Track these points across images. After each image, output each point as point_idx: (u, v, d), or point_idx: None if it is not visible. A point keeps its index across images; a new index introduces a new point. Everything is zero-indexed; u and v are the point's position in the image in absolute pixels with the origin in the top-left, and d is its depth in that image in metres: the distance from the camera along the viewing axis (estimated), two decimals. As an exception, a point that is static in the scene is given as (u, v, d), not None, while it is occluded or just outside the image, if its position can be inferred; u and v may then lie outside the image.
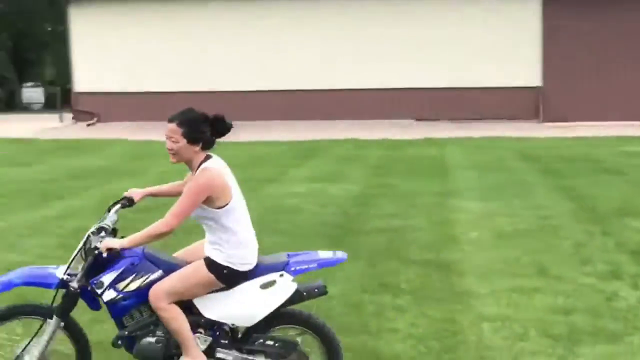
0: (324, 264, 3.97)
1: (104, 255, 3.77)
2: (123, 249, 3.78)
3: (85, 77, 24.42)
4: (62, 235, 8.20)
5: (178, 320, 3.75)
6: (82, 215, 9.41)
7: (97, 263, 3.81)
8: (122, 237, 3.81)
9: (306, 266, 3.92)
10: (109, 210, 4.10)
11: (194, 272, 3.78)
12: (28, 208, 9.93)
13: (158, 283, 3.79)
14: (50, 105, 37.39)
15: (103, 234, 3.85)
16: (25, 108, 39.74)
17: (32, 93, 41.28)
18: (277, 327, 4.00)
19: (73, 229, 8.54)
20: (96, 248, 3.76)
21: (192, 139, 3.73)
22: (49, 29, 43.86)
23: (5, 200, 10.59)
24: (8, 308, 3.98)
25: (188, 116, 3.78)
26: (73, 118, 25.00)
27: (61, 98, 26.50)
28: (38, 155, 16.50)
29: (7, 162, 15.08)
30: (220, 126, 3.82)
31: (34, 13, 43.00)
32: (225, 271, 3.75)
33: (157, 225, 3.70)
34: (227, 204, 3.73)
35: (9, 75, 40.45)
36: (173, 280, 3.77)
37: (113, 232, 3.95)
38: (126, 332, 3.90)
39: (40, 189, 11.54)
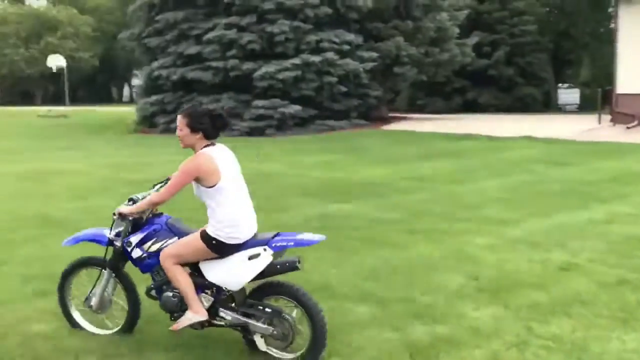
0: (300, 244, 4.39)
1: (115, 217, 4.70)
2: (151, 216, 4.73)
3: (629, 78, 23.36)
4: (612, 240, 7.76)
5: (179, 279, 4.45)
6: (628, 220, 8.84)
7: (134, 227, 4.71)
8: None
9: (285, 243, 4.38)
10: (153, 187, 4.95)
11: (192, 240, 4.46)
12: (570, 209, 9.75)
13: (167, 247, 4.55)
14: (586, 106, 37.11)
15: (130, 203, 4.72)
16: (559, 109, 40.28)
17: (568, 94, 41.61)
18: (272, 297, 4.52)
19: (622, 234, 8.04)
20: (114, 213, 4.69)
21: (193, 129, 4.45)
22: (589, 29, 43.52)
23: (550, 199, 10.64)
24: (80, 259, 5.12)
25: (191, 110, 4.52)
26: (611, 120, 24.21)
27: (601, 99, 25.88)
28: (576, 156, 16.34)
29: (547, 162, 15.28)
30: (218, 121, 4.49)
31: (576, 14, 43.17)
32: (213, 242, 4.38)
33: (154, 196, 4.57)
34: (215, 185, 4.34)
35: (547, 76, 41.49)
36: (177, 246, 4.50)
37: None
38: (152, 286, 4.75)
39: (581, 191, 11.30)
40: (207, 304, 4.53)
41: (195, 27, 25.78)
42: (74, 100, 60.16)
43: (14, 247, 7.74)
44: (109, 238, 4.83)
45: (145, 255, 4.68)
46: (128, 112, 34.78)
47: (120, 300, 5.07)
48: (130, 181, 12.97)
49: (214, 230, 4.39)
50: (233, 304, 4.57)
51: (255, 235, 4.48)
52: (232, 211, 4.39)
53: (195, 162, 4.39)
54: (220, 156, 4.47)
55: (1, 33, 65.66)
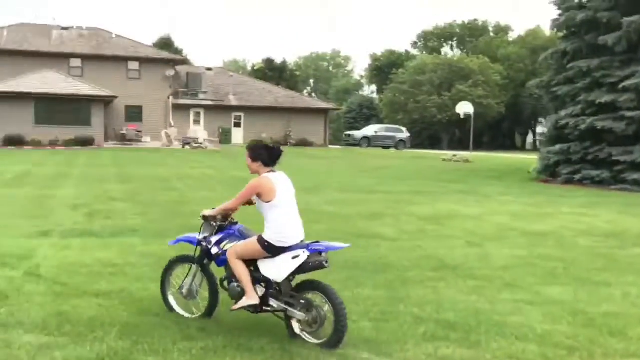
0: (330, 249, 5.69)
1: (199, 219, 6.27)
2: (229, 224, 6.21)
3: None
4: None
5: (239, 271, 5.85)
6: None
7: (219, 231, 6.20)
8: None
9: (318, 248, 5.63)
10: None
11: (251, 242, 5.86)
12: None
13: (233, 246, 5.99)
14: None
15: (212, 208, 6.21)
16: None
17: None
18: (310, 292, 5.72)
19: None
20: (204, 217, 6.19)
21: (253, 158, 5.98)
22: None
23: None
24: (177, 257, 6.68)
25: (252, 145, 6.08)
26: None
27: None
28: None
29: None
30: (273, 152, 5.95)
31: None
32: (266, 244, 5.74)
33: (226, 204, 6.12)
34: (270, 201, 5.76)
35: None
36: (240, 245, 5.93)
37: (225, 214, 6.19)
38: (224, 277, 6.20)
39: None
40: (260, 293, 5.86)
41: (610, 75, 24.39)
42: (478, 146, 61.90)
43: (409, 287, 7.92)
44: (198, 240, 6.32)
45: (220, 252, 6.12)
46: (529, 159, 34.40)
47: (204, 291, 6.41)
48: (527, 231, 12.55)
49: (267, 235, 5.74)
50: (275, 294, 5.84)
51: (302, 241, 5.80)
52: (281, 222, 5.74)
53: (258, 182, 5.84)
54: (278, 180, 5.87)
55: (417, 81, 70.92)
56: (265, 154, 5.93)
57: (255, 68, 75.83)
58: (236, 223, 6.24)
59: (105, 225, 11.87)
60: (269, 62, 73.79)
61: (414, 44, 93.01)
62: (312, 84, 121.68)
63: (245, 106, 51.38)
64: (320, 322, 5.62)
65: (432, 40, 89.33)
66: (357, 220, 13.44)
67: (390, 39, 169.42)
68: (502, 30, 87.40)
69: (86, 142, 39.54)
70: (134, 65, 48.67)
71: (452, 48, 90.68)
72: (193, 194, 17.76)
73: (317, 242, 5.75)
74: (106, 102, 43.78)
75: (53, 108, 41.43)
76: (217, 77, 54.99)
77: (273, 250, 5.71)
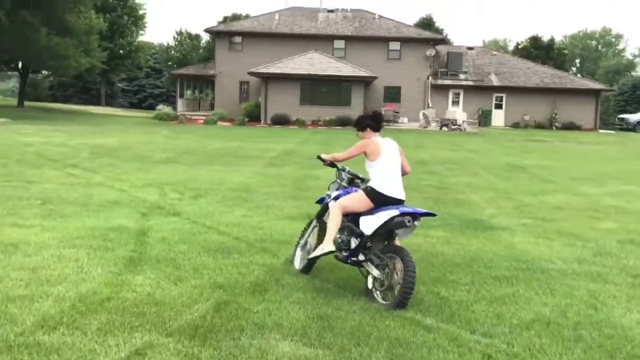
0: (416, 212, 6.16)
1: (318, 159, 7.03)
2: (352, 186, 6.88)
3: None
4: None
5: (333, 218, 6.43)
6: None
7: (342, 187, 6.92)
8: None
9: (407, 210, 6.15)
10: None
11: (357, 193, 6.55)
12: None
13: (341, 198, 6.57)
14: None
15: (331, 157, 6.94)
16: None
17: None
18: (391, 255, 6.15)
19: None
20: (319, 157, 7.01)
21: (361, 129, 6.75)
22: None
23: None
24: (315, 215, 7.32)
25: (357, 118, 6.99)
26: None
27: None
28: None
29: None
30: (375, 117, 6.80)
31: None
32: (369, 189, 6.41)
33: (337, 155, 6.88)
34: (374, 160, 6.44)
35: None
36: (347, 197, 6.54)
37: (353, 177, 6.96)
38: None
39: None
40: (353, 245, 6.43)
41: None
42: None
43: None
44: (323, 197, 7.07)
45: None
46: None
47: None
48: None
49: (370, 184, 6.46)
50: (363, 248, 6.40)
51: (402, 202, 6.39)
52: (383, 176, 6.42)
53: (365, 142, 6.59)
54: (383, 143, 6.57)
55: None
56: (370, 120, 6.77)
57: (519, 47, 71.95)
58: (357, 186, 6.85)
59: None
60: (534, 40, 69.66)
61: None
62: (577, 64, 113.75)
63: (507, 86, 48.86)
64: (387, 284, 6.04)
65: None
66: (654, 218, 11.34)
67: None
68: None
69: (346, 122, 40.05)
70: (395, 45, 48.57)
71: None
72: (455, 179, 16.62)
73: (409, 208, 6.31)
74: (366, 82, 44.11)
75: (316, 88, 42.72)
76: (479, 56, 53.01)
77: (374, 197, 6.34)
